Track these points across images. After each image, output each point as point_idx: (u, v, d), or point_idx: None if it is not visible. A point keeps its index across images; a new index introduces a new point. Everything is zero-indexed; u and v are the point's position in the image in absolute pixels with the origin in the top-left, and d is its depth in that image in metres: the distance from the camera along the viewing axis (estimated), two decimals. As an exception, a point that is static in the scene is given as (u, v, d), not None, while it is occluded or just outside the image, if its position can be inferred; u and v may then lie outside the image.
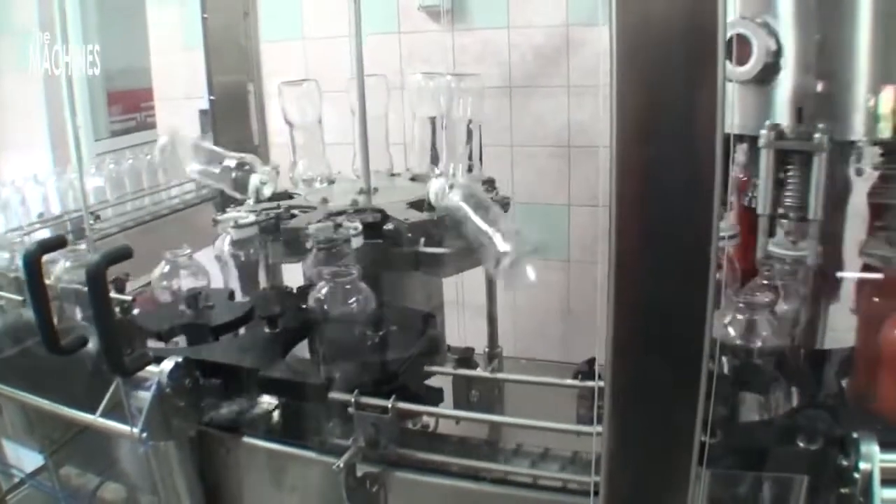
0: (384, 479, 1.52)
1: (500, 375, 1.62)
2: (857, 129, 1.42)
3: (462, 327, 2.24)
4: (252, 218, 1.89)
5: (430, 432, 1.65)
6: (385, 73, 2.23)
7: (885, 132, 1.40)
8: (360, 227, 1.77)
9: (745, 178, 1.64)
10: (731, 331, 1.39)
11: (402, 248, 1.77)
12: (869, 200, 1.52)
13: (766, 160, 1.43)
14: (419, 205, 1.92)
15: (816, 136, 1.39)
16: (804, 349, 1.57)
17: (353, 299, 1.58)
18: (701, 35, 0.87)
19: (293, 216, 1.93)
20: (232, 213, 1.92)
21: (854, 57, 1.40)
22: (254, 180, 2.06)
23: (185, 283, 1.85)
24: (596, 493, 1.08)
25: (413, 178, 2.20)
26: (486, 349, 2.11)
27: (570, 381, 1.45)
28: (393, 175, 2.25)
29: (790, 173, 1.44)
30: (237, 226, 1.86)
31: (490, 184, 2.10)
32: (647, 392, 1.00)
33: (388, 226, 1.82)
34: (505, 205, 2.02)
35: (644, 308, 0.97)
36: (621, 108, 0.90)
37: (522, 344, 2.18)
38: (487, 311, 2.10)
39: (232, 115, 2.38)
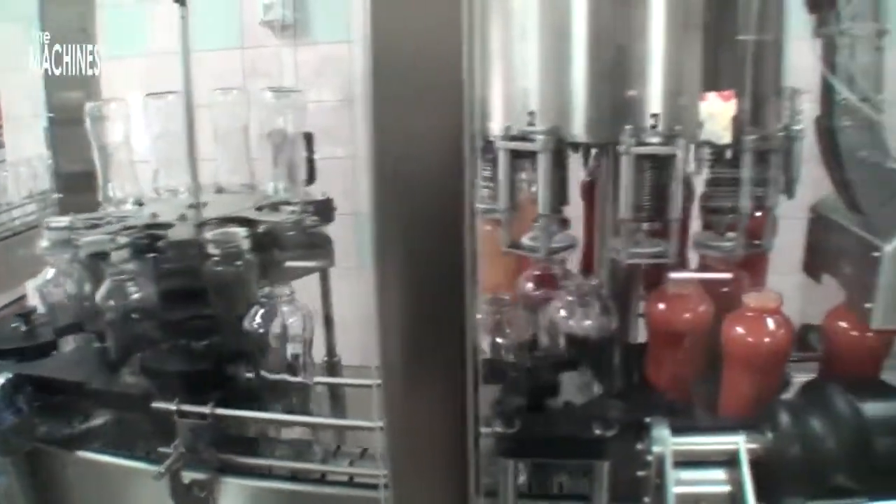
0: (211, 485, 1.55)
1: (316, 379, 1.66)
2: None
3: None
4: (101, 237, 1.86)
5: (256, 437, 1.68)
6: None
7: (712, 137, 1.46)
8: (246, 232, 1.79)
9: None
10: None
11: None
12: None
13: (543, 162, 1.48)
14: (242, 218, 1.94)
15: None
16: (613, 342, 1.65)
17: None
18: (443, 51, 0.93)
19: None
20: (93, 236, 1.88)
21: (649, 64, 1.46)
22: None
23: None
24: (386, 487, 1.13)
25: (231, 192, 2.22)
26: (325, 358, 2.14)
27: (354, 381, 1.51)
28: (220, 192, 2.26)
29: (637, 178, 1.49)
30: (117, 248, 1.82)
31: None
32: (415, 387, 1.06)
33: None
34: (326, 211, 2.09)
35: (407, 309, 1.02)
36: (377, 122, 0.96)
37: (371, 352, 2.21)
38: (323, 321, 2.14)
39: (72, 134, 2.36)
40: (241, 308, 1.67)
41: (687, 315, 1.50)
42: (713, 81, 1.45)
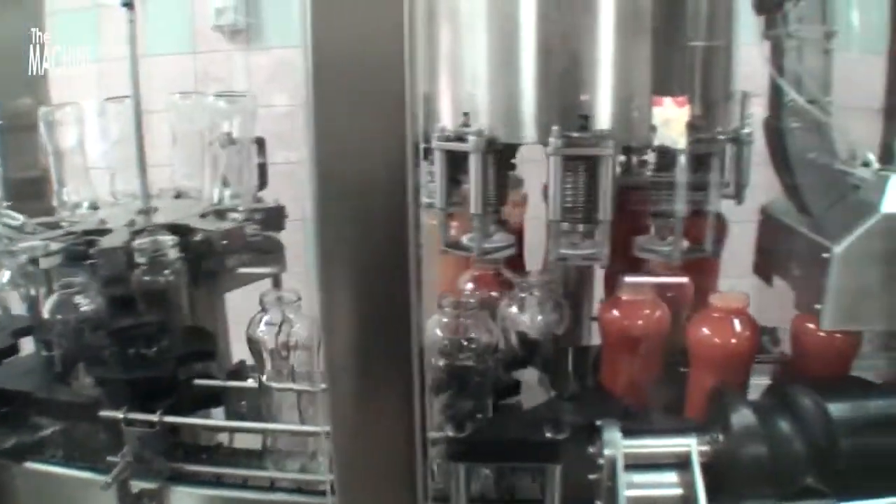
0: (161, 495, 1.53)
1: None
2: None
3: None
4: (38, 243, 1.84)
5: (208, 445, 1.66)
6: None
7: (667, 142, 1.47)
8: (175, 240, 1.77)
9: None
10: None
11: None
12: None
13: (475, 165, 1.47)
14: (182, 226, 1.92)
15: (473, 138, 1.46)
16: (567, 345, 1.65)
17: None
18: (384, 55, 0.93)
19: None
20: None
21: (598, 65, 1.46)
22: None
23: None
24: (333, 492, 1.12)
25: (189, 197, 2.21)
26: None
27: (299, 387, 1.50)
28: (179, 196, 2.24)
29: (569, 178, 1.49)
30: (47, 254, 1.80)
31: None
32: (362, 391, 1.05)
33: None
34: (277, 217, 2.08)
35: (351, 312, 1.02)
36: (319, 126, 0.95)
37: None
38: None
39: (22, 139, 2.33)
40: (172, 315, 1.66)
41: (640, 321, 1.50)
42: (658, 84, 1.46)
